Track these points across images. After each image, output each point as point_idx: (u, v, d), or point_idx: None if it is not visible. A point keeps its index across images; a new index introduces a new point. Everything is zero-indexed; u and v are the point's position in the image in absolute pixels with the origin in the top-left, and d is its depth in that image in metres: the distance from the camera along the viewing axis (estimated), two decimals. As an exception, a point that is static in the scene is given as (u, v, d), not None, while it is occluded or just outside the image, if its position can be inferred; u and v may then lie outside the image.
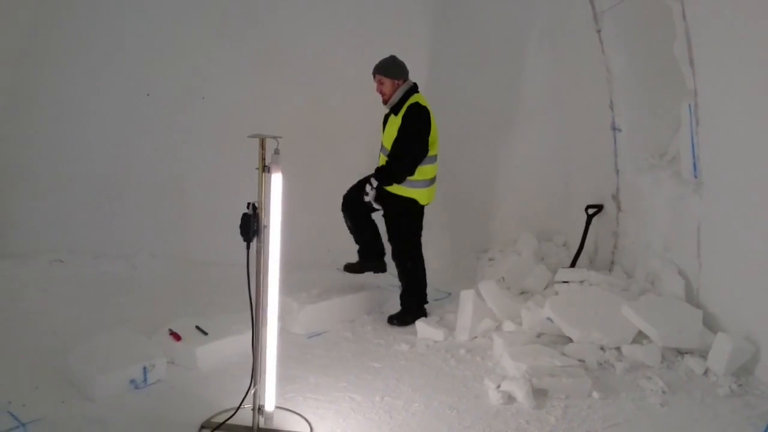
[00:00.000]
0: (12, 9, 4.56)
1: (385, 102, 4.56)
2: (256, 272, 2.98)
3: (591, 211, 5.34)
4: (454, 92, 5.65)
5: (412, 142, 4.43)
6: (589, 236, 5.31)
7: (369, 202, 4.48)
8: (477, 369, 3.93)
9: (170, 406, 3.38)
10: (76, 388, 3.46)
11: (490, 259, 5.70)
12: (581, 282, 4.79)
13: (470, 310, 4.35)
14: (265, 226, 2.90)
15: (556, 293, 4.73)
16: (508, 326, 4.35)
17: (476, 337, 4.35)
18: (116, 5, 5.08)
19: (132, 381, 3.48)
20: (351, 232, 4.75)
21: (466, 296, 4.43)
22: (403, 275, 4.73)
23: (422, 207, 4.66)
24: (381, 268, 4.84)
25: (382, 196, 4.48)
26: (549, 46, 5.51)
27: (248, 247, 2.91)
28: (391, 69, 4.49)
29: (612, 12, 4.75)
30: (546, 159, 5.78)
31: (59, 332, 4.15)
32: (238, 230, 2.93)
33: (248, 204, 2.88)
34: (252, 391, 3.10)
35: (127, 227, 5.36)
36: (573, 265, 5.22)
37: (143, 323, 4.16)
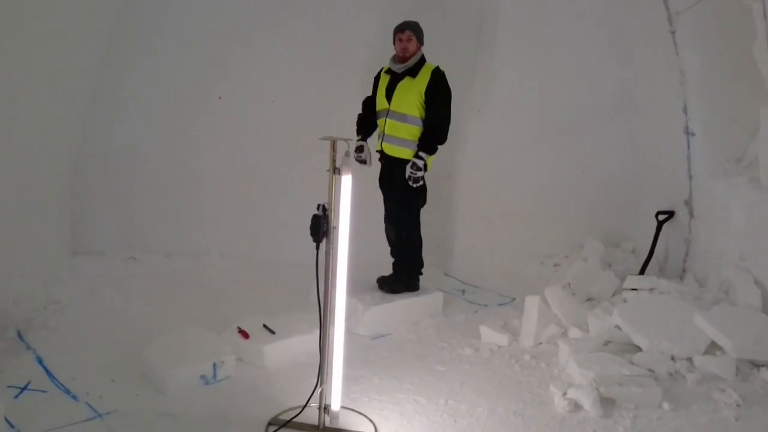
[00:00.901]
0: (93, 19, 4.74)
1: (404, 59, 4.53)
2: (325, 273, 3.02)
3: (662, 217, 5.21)
4: (521, 94, 5.61)
5: (449, 107, 4.54)
6: (659, 243, 5.18)
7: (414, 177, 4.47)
8: (542, 375, 3.89)
9: (238, 402, 3.46)
10: (149, 381, 3.57)
11: (555, 265, 5.63)
12: (651, 290, 4.68)
13: (535, 316, 4.31)
14: (334, 228, 2.94)
15: (625, 301, 4.63)
16: (575, 333, 4.29)
17: (541, 343, 4.30)
18: (190, 14, 5.22)
19: (202, 376, 3.58)
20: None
21: (532, 302, 4.38)
22: (397, 244, 4.73)
23: (426, 170, 4.61)
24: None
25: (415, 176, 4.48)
26: (621, 48, 5.40)
27: (317, 248, 2.96)
28: (420, 31, 4.57)
29: (687, 13, 4.62)
30: (615, 163, 5.67)
31: (133, 327, 4.30)
32: (307, 231, 2.98)
33: (318, 205, 2.92)
34: (318, 390, 3.15)
35: (197, 227, 5.50)
36: (642, 272, 5.10)
37: (213, 320, 4.26)
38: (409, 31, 4.52)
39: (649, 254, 5.16)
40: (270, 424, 3.22)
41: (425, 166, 4.51)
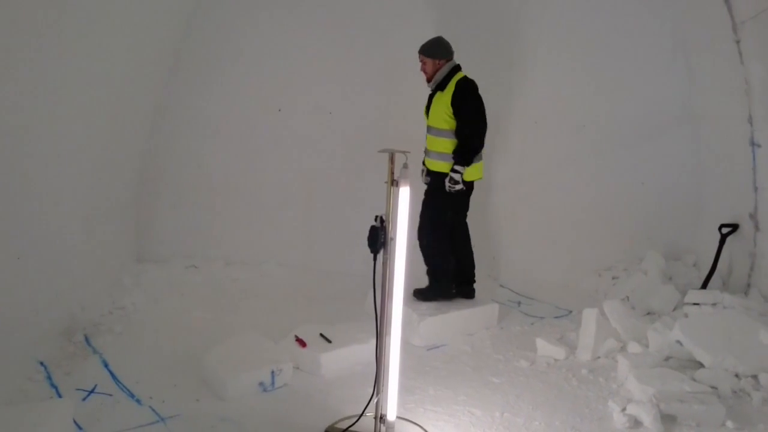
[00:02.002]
0: (161, 34, 4.91)
1: (428, 80, 4.64)
2: (382, 283, 3.05)
3: (725, 230, 5.06)
4: (579, 105, 5.56)
5: (478, 114, 4.52)
6: (723, 257, 5.03)
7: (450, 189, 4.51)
8: (600, 390, 3.83)
9: (295, 409, 3.51)
10: (209, 387, 3.66)
11: (614, 278, 5.54)
12: (714, 305, 4.55)
13: (593, 329, 4.25)
14: (391, 239, 2.97)
15: (686, 315, 4.51)
16: (634, 348, 4.21)
17: (599, 357, 4.24)
18: (253, 29, 5.36)
19: (261, 383, 3.64)
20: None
21: (589, 315, 4.32)
22: (422, 251, 4.73)
23: (466, 184, 4.58)
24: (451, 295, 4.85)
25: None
26: (682, 58, 5.29)
27: (375, 259, 2.99)
28: (431, 49, 4.59)
29: (753, 21, 4.51)
30: (676, 175, 5.55)
31: (194, 333, 4.41)
32: (364, 241, 3.01)
33: (376, 217, 2.95)
34: (374, 400, 3.17)
35: (256, 237, 5.61)
36: (704, 286, 4.97)
37: (270, 329, 4.33)
38: (421, 55, 4.62)
39: (712, 268, 5.03)
40: (326, 432, 3.26)
41: (462, 179, 4.51)
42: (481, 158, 4.70)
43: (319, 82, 5.52)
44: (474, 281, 4.93)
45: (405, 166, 2.92)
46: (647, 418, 3.37)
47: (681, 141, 5.48)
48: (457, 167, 4.50)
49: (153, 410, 3.41)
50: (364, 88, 5.52)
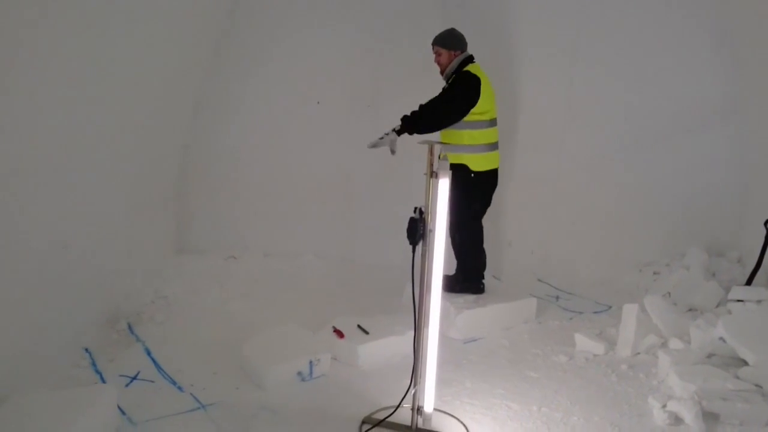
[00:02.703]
0: (201, 26, 4.97)
1: (442, 72, 4.61)
2: (420, 275, 3.06)
3: (771, 225, 4.95)
4: (621, 98, 5.48)
5: (444, 101, 4.42)
6: (769, 253, 4.92)
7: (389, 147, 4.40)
8: (640, 386, 3.78)
9: (333, 399, 3.54)
10: (248, 376, 3.71)
11: (655, 273, 5.45)
12: (759, 302, 4.45)
13: (634, 325, 4.19)
14: (430, 231, 2.97)
15: (730, 312, 4.43)
16: (675, 344, 4.14)
17: (639, 353, 4.18)
18: (292, 21, 5.39)
19: (299, 373, 3.69)
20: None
21: (630, 310, 4.26)
22: (454, 246, 4.69)
23: (476, 174, 4.52)
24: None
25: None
26: (728, 49, 5.17)
27: (413, 251, 2.99)
28: (447, 40, 4.54)
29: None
30: (720, 169, 5.44)
31: (233, 323, 4.48)
32: (402, 233, 3.02)
33: (415, 208, 2.96)
34: (412, 391, 3.18)
35: (294, 229, 5.65)
36: (749, 283, 4.85)
37: (308, 320, 4.37)
38: (436, 46, 4.58)
39: (757, 264, 4.91)
40: (364, 422, 3.28)
41: (389, 137, 4.35)
42: (494, 149, 4.61)
43: (357, 75, 5.52)
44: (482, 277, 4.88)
45: (444, 157, 2.91)
46: (688, 416, 3.31)
47: (725, 134, 5.37)
48: (395, 128, 4.38)
49: (194, 397, 3.47)
50: (404, 80, 5.51)
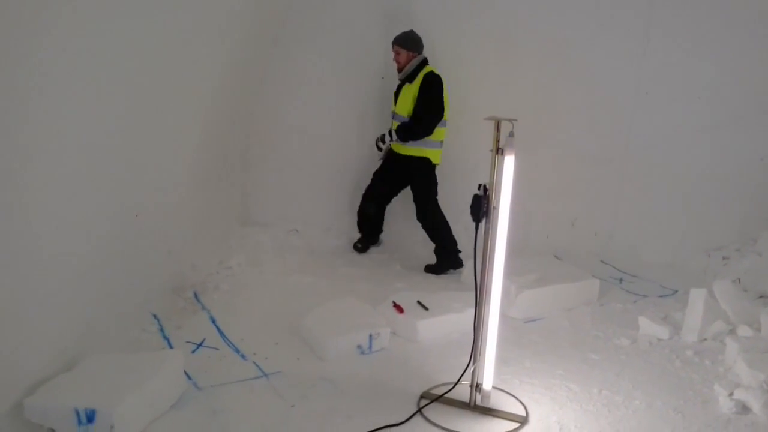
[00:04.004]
0: (266, 1, 5.03)
1: (399, 70, 5.08)
2: (483, 253, 3.04)
3: None
4: (693, 76, 5.29)
5: (432, 105, 4.93)
6: None
7: (380, 153, 5.26)
8: (706, 373, 3.68)
9: (392, 373, 3.56)
10: (309, 347, 3.78)
11: (724, 258, 5.28)
12: (835, 290, 4.28)
13: (701, 310, 4.07)
14: (494, 208, 2.94)
15: (804, 300, 4.28)
16: (744, 331, 4.01)
17: (705, 339, 4.07)
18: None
19: (359, 346, 3.73)
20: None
21: (697, 295, 4.14)
22: (429, 231, 5.22)
23: (434, 166, 5.15)
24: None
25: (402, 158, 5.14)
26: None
27: (477, 228, 2.97)
28: (408, 41, 5.03)
29: None
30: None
31: (294, 295, 4.57)
32: (465, 210, 3.00)
33: (479, 185, 2.93)
34: (471, 369, 3.18)
35: (355, 204, 5.66)
36: (825, 271, 4.67)
37: (368, 294, 4.43)
38: (396, 45, 5.05)
39: (834, 252, 4.71)
40: (422, 397, 3.30)
41: (387, 145, 5.21)
42: (442, 145, 5.13)
43: (427, 49, 5.48)
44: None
45: (511, 134, 2.87)
46: (756, 405, 3.22)
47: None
48: (393, 136, 5.08)
49: (257, 365, 3.55)
50: (472, 53, 5.48)
